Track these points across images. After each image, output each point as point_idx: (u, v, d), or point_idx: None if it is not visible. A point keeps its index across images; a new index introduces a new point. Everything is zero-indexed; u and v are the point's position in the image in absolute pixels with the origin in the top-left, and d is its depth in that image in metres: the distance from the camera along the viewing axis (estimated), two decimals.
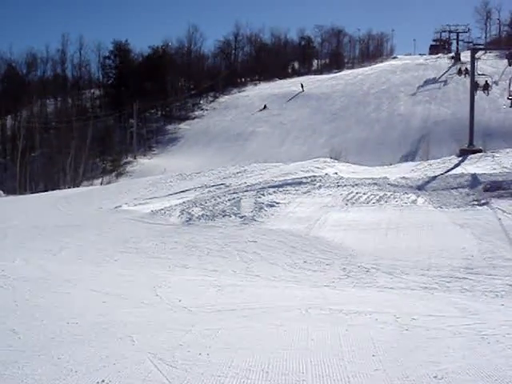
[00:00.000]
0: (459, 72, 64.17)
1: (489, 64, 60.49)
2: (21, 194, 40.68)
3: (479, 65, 31.85)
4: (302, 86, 74.92)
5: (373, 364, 4.81)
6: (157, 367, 4.81)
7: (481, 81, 26.75)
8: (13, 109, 71.55)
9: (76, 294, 7.82)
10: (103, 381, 4.51)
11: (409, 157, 46.21)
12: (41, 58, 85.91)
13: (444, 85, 68.85)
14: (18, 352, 5.22)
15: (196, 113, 79.61)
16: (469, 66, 29.38)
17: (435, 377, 4.50)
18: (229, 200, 15.77)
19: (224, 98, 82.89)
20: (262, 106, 74.11)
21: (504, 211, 12.77)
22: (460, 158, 21.94)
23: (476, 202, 13.88)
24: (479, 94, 27.56)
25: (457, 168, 19.49)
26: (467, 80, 32.55)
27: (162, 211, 15.53)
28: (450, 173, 18.39)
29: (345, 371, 4.65)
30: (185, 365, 4.85)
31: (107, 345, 5.43)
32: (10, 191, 41.65)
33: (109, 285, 8.56)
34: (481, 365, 4.76)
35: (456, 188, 15.66)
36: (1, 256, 11.29)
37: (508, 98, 25.71)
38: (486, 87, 27.97)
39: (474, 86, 25.34)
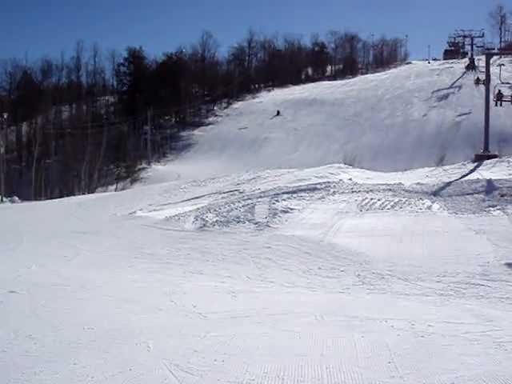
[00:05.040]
0: (477, 81, 63.62)
1: (503, 69, 60.01)
2: (36, 200, 40.93)
3: (493, 69, 32.09)
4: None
5: (389, 371, 4.78)
6: (172, 373, 4.81)
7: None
8: (28, 115, 72.18)
9: (91, 300, 7.85)
10: None
11: (423, 162, 45.95)
12: (56, 65, 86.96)
13: (458, 90, 68.43)
14: (34, 357, 5.24)
15: (210, 119, 79.86)
16: (482, 76, 30.09)
17: None
18: (243, 206, 15.77)
19: (238, 105, 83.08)
20: (276, 112, 74.15)
21: None
22: (475, 164, 21.80)
23: (491, 208, 13.79)
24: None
25: (472, 174, 19.36)
26: (481, 86, 32.60)
27: (176, 217, 15.56)
28: (465, 178, 18.27)
29: (360, 378, 4.63)
30: (200, 371, 4.85)
31: (123, 351, 5.45)
32: (25, 197, 41.97)
33: (123, 291, 8.58)
34: (497, 372, 4.71)
35: (471, 194, 15.56)
36: (17, 262, 11.36)
37: (493, 100, 27.54)
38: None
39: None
